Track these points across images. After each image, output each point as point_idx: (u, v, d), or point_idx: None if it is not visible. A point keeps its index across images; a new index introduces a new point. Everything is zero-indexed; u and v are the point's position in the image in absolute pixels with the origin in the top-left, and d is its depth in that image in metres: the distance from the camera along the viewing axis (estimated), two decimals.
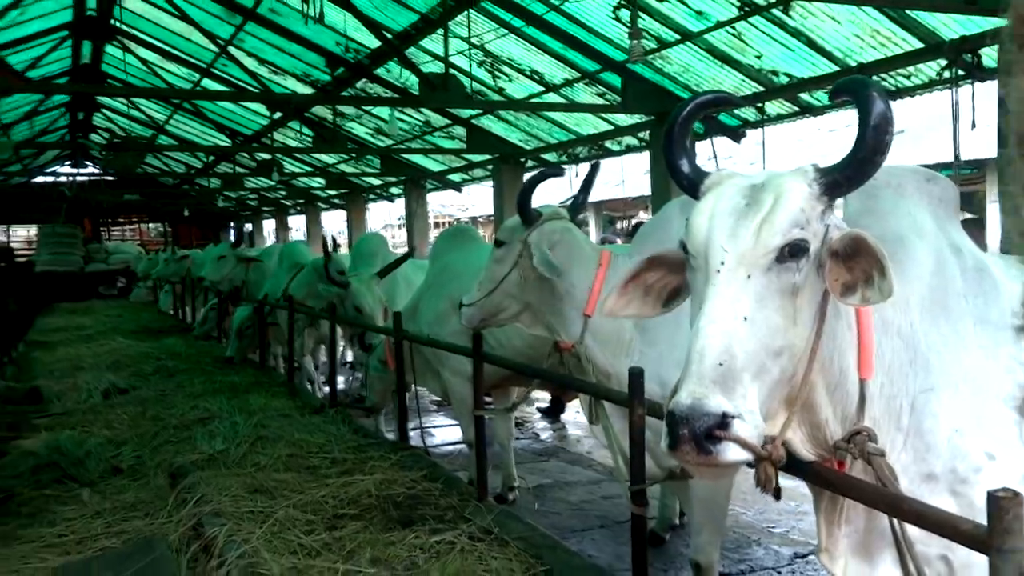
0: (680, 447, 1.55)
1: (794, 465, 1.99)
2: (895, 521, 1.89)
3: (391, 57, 9.21)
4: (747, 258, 1.66)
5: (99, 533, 4.01)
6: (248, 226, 27.95)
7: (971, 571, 2.09)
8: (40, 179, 24.99)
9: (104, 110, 18.31)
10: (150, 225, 32.50)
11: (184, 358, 9.53)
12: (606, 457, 6.86)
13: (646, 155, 9.25)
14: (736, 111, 7.92)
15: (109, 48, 13.62)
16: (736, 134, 8.32)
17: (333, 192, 19.42)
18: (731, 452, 1.51)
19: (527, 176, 7.30)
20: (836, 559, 2.11)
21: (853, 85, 1.84)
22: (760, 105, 7.48)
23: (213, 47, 10.83)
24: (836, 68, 6.59)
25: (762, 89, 7.27)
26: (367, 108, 11.94)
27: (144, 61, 13.13)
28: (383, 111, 11.77)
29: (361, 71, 10.22)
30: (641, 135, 9.16)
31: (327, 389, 7.48)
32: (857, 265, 1.76)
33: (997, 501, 1.43)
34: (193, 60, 12.73)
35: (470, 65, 8.56)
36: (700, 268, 1.77)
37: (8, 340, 12.51)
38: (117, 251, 25.61)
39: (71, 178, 24.08)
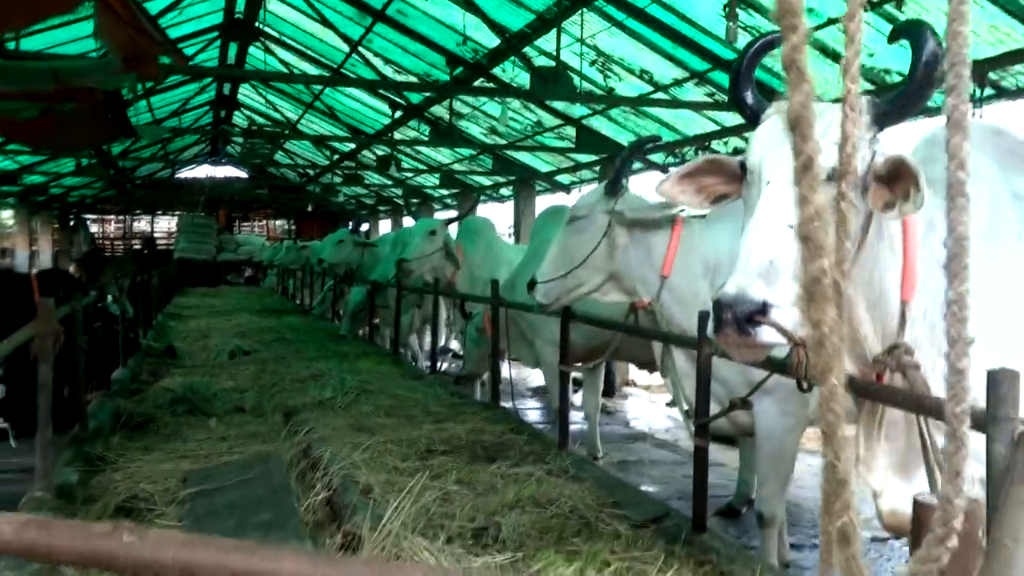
0: (723, 329, 1.79)
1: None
2: (922, 421, 2.05)
3: (507, 56, 9.64)
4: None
5: (223, 452, 4.54)
6: (366, 225, 29.27)
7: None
8: (182, 174, 27.14)
9: (244, 109, 19.72)
10: (276, 222, 34.54)
11: (301, 331, 10.28)
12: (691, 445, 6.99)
13: None
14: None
15: (252, 49, 14.75)
16: None
17: (445, 192, 20.12)
18: (767, 334, 1.72)
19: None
20: (873, 471, 2.28)
21: (909, 25, 2.05)
22: None
23: (344, 47, 11.60)
24: None
25: (873, 88, 7.22)
26: (481, 108, 12.45)
27: (283, 61, 14.17)
28: (496, 110, 12.26)
29: (477, 70, 10.70)
30: (747, 135, 9.19)
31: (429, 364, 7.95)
32: (898, 186, 1.96)
33: (994, 375, 1.60)
34: (325, 60, 13.63)
35: (581, 64, 8.87)
36: (755, 183, 2.01)
37: (150, 310, 13.72)
38: (246, 243, 27.36)
39: (208, 175, 26.09)
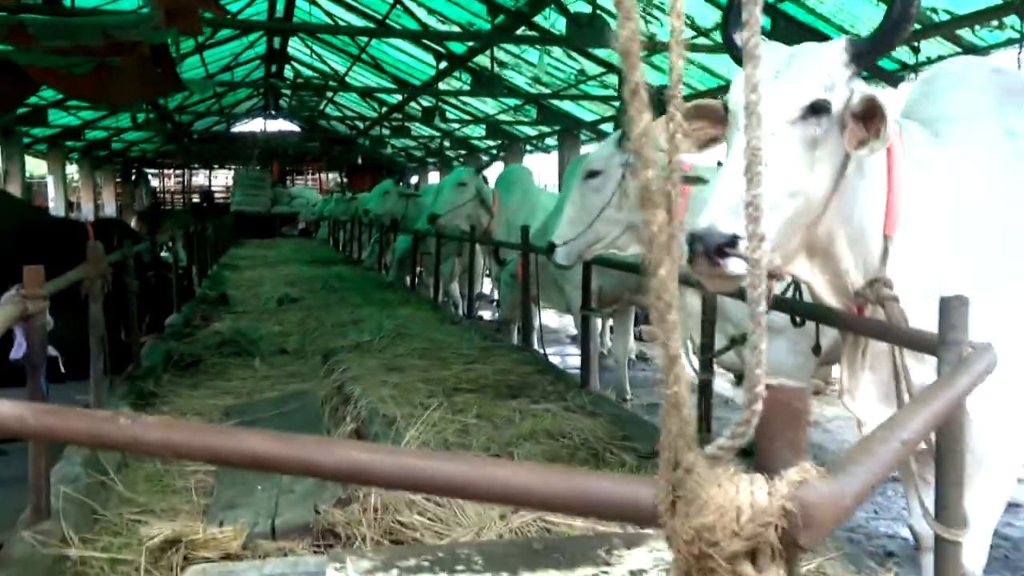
0: (696, 260, 1.90)
1: (820, 312, 2.28)
2: (895, 350, 2.13)
3: (548, 3, 9.58)
4: (770, 114, 1.92)
5: (265, 389, 4.83)
6: (415, 177, 29.53)
7: (987, 421, 2.28)
8: (237, 128, 27.71)
9: (293, 62, 19.95)
10: (329, 175, 35.05)
11: (348, 281, 10.59)
12: (722, 389, 7.07)
13: None
14: (894, 55, 7.65)
15: (299, 2, 14.90)
16: (893, 79, 8.03)
17: (492, 143, 20.15)
18: (734, 265, 1.82)
19: None
20: (858, 401, 2.37)
21: None
22: (916, 45, 7.21)
23: None
24: (1000, 1, 6.26)
25: (919, 27, 7.01)
26: (524, 57, 12.41)
27: (328, 14, 14.30)
28: (538, 58, 12.21)
29: (519, 18, 10.67)
30: None
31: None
32: (871, 124, 2.01)
33: (946, 302, 1.68)
34: (370, 12, 13.70)
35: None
36: (734, 123, 2.08)
37: (206, 260, 14.25)
38: (299, 195, 27.89)
39: (263, 129, 26.58)
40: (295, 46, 18.60)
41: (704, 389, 3.20)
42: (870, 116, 1.98)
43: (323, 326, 6.72)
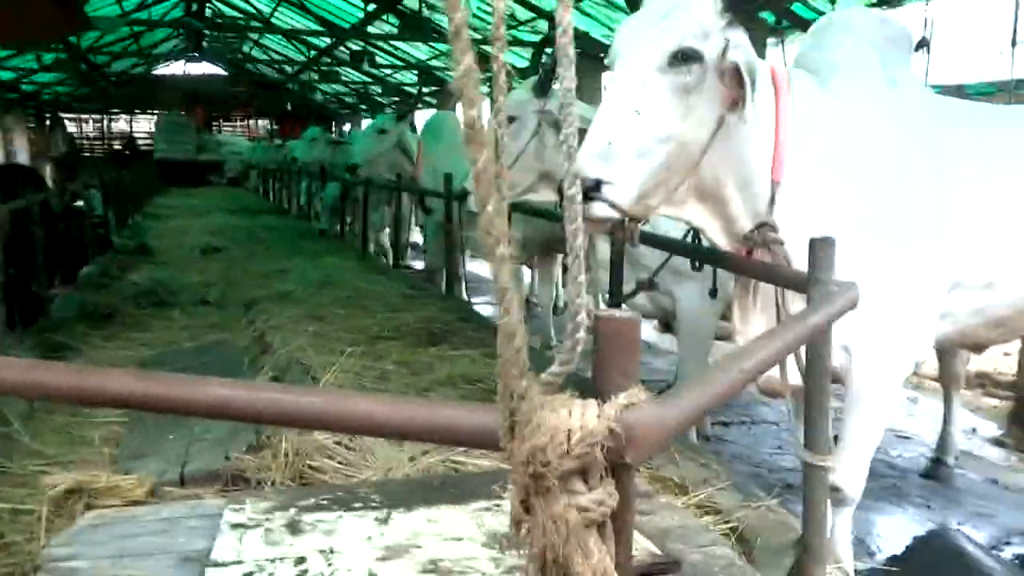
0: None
1: (708, 254, 2.37)
2: (778, 293, 2.24)
3: None
4: (642, 63, 2.01)
5: (184, 340, 4.76)
6: (348, 125, 28.88)
7: (865, 360, 2.43)
8: (159, 71, 26.54)
9: (215, 2, 19.13)
10: (259, 122, 33.98)
11: (275, 230, 10.40)
12: (646, 335, 7.27)
13: None
14: (815, 5, 7.78)
15: None
16: None
17: (426, 89, 19.82)
18: (599, 209, 1.92)
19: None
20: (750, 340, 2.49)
21: None
22: None
23: None
24: None
25: None
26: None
27: None
28: (472, 3, 12.00)
29: None
30: None
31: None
32: (742, 91, 2.07)
33: (813, 243, 1.77)
34: None
35: None
36: (611, 70, 2.15)
37: (125, 210, 13.78)
38: (227, 142, 27.04)
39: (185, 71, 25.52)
40: None
41: None
42: (740, 82, 2.04)
43: (247, 276, 6.62)
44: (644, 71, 1.99)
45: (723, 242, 2.36)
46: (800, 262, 2.30)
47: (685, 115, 2.01)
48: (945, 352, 3.89)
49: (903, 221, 2.36)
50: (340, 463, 2.51)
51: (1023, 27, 5.28)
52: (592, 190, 1.90)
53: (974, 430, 5.04)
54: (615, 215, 1.96)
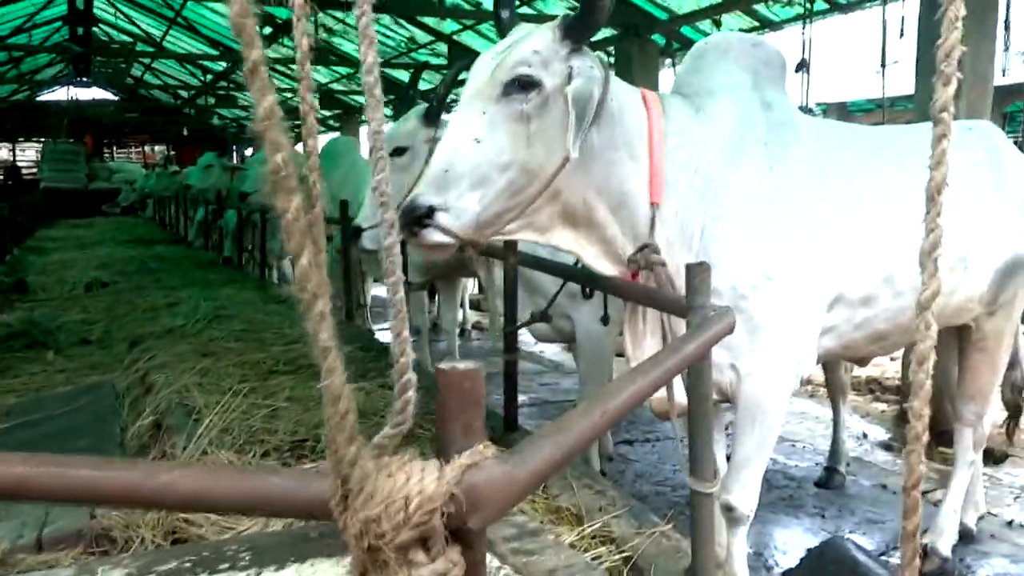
0: (402, 231, 1.99)
1: (591, 278, 2.35)
2: (664, 316, 2.24)
3: None
4: (481, 92, 2.04)
5: (58, 384, 4.45)
6: (249, 150, 28.15)
7: (752, 379, 2.46)
8: (44, 97, 25.23)
9: (102, 25, 18.36)
10: (155, 148, 32.74)
11: (169, 261, 9.97)
12: (555, 355, 7.29)
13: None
14: (699, 26, 8.03)
15: None
16: None
17: (328, 113, 19.53)
18: (433, 235, 1.95)
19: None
20: None
21: None
22: (718, 19, 7.61)
23: None
24: None
25: (720, 1, 7.40)
26: (354, 24, 12.05)
27: None
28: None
29: None
30: (610, 49, 9.30)
31: None
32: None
33: (690, 268, 1.77)
34: None
35: None
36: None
37: (3, 243, 12.96)
38: (120, 170, 25.91)
39: (72, 96, 24.32)
40: (102, 7, 17.11)
41: (507, 370, 3.25)
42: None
43: (134, 311, 6.29)
44: (484, 100, 2.03)
45: (606, 265, 2.35)
46: (684, 282, 2.34)
47: (529, 142, 2.03)
48: (829, 363, 4.02)
49: (780, 239, 2.40)
50: (218, 514, 2.36)
51: (893, 49, 5.58)
52: (425, 217, 1.93)
53: (864, 435, 5.22)
54: (448, 240, 1.98)
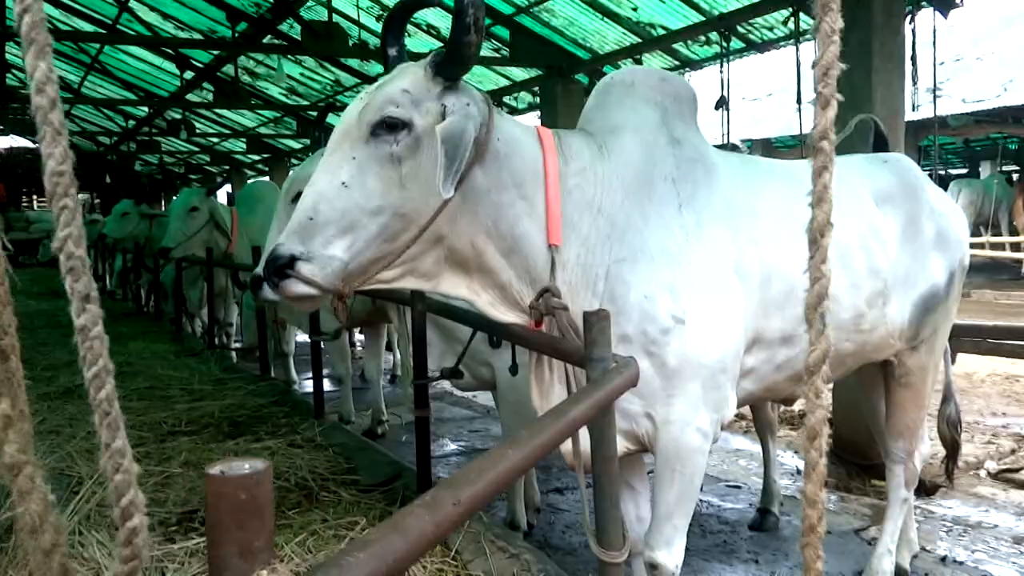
0: (265, 284, 1.82)
1: (491, 326, 2.18)
2: (568, 367, 2.08)
3: (289, 13, 9.16)
4: (350, 134, 1.91)
5: None
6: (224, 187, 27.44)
7: (669, 428, 2.31)
8: None
9: (15, 71, 17.73)
10: (80, 195, 31.70)
11: None
12: (487, 400, 7.08)
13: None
14: (622, 65, 8.08)
15: (9, 2, 13.23)
16: None
17: (256, 157, 19.19)
18: (294, 286, 1.81)
19: None
20: None
21: None
22: (639, 58, 7.66)
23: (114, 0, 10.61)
24: (703, 19, 6.79)
25: (640, 41, 7.46)
26: (279, 68, 11.83)
27: (48, 18, 12.80)
28: (294, 69, 11.73)
29: (262, 27, 10.13)
30: (536, 89, 9.30)
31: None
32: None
33: (587, 317, 1.61)
34: (97, 15, 12.45)
35: (358, 14, 8.58)
36: None
37: None
38: (39, 219, 24.92)
39: None
40: (13, 53, 16.52)
41: (419, 425, 3.05)
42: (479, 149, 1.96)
43: (32, 370, 5.87)
44: (352, 143, 1.91)
45: (503, 312, 2.18)
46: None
47: (401, 184, 1.90)
48: (754, 404, 3.93)
49: (690, 281, 2.28)
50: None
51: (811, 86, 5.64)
52: (287, 267, 1.79)
53: (799, 471, 5.14)
54: (311, 291, 1.83)
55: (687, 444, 2.35)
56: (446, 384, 7.91)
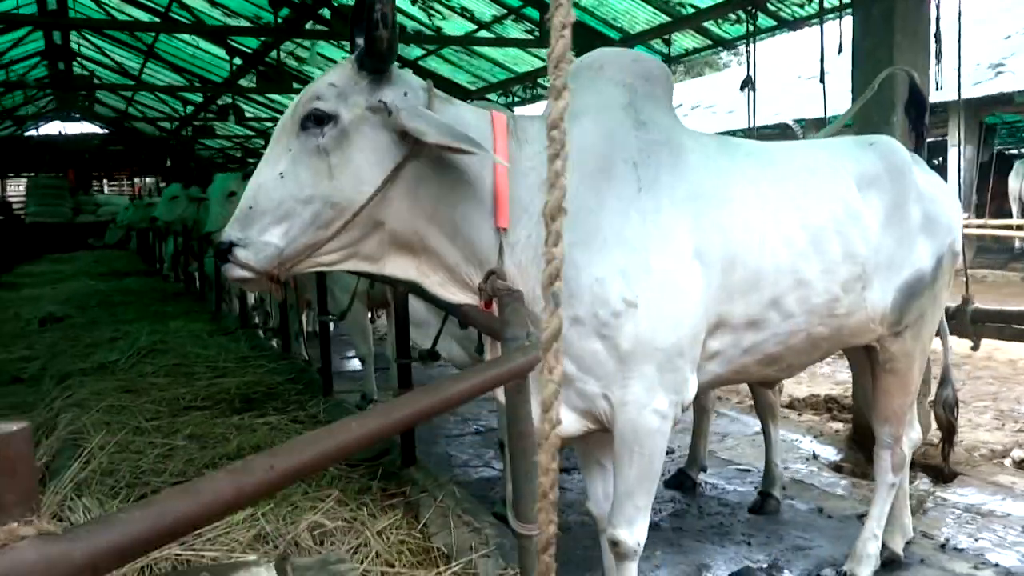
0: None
1: (445, 303, 2.25)
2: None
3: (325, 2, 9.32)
4: (286, 128, 2.04)
5: None
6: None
7: (626, 409, 2.34)
8: (39, 131, 25.40)
9: (80, 59, 18.45)
10: (146, 180, 32.81)
11: (134, 293, 9.90)
12: None
13: None
14: (652, 44, 7.99)
15: None
16: None
17: None
18: (232, 270, 1.98)
19: None
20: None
21: None
22: (668, 38, 7.57)
23: None
24: None
25: (670, 20, 7.37)
26: (320, 52, 12.06)
27: (103, 7, 13.29)
28: (336, 53, 11.92)
29: (304, 12, 10.32)
30: None
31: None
32: None
33: (502, 298, 1.67)
34: (151, 4, 12.86)
35: (404, 2, 8.69)
36: None
37: None
38: (107, 203, 25.92)
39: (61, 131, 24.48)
40: (79, 41, 17.20)
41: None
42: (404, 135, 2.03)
43: (76, 346, 6.19)
44: (288, 136, 2.03)
45: (454, 292, 2.25)
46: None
47: (331, 175, 2.00)
48: (755, 385, 3.90)
49: (645, 265, 2.29)
50: None
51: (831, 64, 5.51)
52: (226, 251, 1.95)
53: (815, 455, 5.08)
54: (248, 275, 1.99)
55: (644, 425, 2.38)
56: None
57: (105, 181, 31.48)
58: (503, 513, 3.70)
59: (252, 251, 1.96)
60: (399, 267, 2.15)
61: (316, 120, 1.98)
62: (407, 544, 2.46)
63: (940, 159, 17.45)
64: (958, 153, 15.80)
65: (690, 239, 2.39)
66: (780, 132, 16.60)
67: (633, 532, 2.47)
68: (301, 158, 1.99)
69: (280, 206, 1.97)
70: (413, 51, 10.93)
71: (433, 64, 11.23)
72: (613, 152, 2.38)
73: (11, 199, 29.27)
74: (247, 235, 1.96)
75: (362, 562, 2.23)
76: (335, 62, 11.24)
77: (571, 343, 2.28)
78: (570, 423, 2.43)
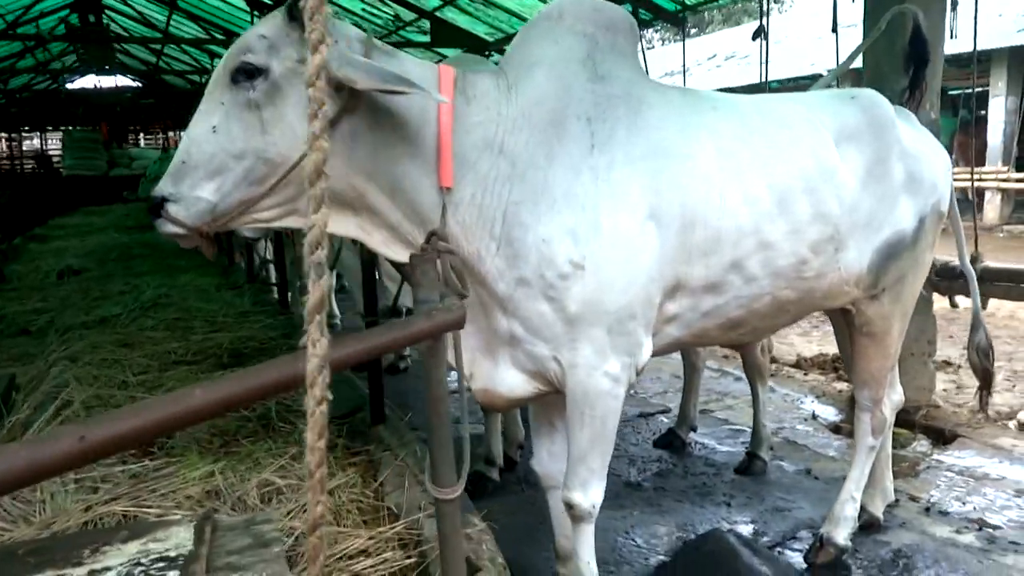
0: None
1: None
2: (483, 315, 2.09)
3: None
4: (219, 80, 1.98)
5: None
6: None
7: (576, 371, 2.30)
8: (70, 86, 25.65)
9: (109, 11, 18.50)
10: (181, 133, 33.11)
11: (153, 248, 10.02)
12: None
13: None
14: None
15: None
16: (677, 19, 8.16)
17: None
18: (163, 226, 1.96)
19: None
20: (463, 356, 2.33)
21: None
22: None
23: None
24: None
25: None
26: (343, 5, 11.91)
27: None
28: (356, 5, 11.77)
29: None
30: None
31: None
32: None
33: (412, 258, 1.62)
34: None
35: None
36: None
37: (11, 232, 13.19)
38: (140, 156, 26.25)
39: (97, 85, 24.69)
40: None
41: (372, 363, 3.13)
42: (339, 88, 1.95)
43: (86, 299, 6.31)
44: (221, 89, 1.98)
45: (398, 251, 2.21)
46: (489, 264, 2.20)
47: (264, 130, 1.94)
48: (744, 346, 3.82)
49: (593, 225, 2.21)
50: None
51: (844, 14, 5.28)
52: (157, 207, 1.93)
53: (814, 416, 5.01)
54: (179, 230, 1.96)
55: (595, 388, 2.34)
56: None
57: (141, 135, 31.84)
58: (482, 471, 3.72)
59: (183, 206, 1.92)
60: (340, 225, 2.11)
61: (247, 74, 1.92)
62: (357, 503, 2.47)
63: (983, 110, 16.78)
64: (1002, 104, 15.21)
65: (645, 198, 2.30)
66: (812, 84, 16.05)
67: (588, 495, 2.45)
68: (233, 112, 1.94)
69: (212, 161, 1.93)
70: (430, 2, 10.73)
71: (450, 15, 11.02)
72: (566, 106, 2.29)
73: (51, 152, 29.85)
74: (179, 190, 1.93)
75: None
76: (356, 13, 10.95)
77: (518, 304, 2.24)
78: (519, 384, 2.40)
